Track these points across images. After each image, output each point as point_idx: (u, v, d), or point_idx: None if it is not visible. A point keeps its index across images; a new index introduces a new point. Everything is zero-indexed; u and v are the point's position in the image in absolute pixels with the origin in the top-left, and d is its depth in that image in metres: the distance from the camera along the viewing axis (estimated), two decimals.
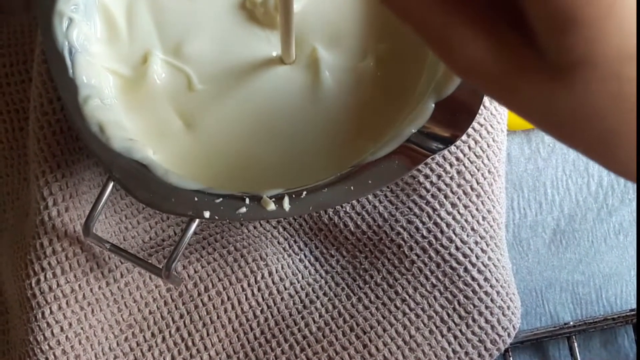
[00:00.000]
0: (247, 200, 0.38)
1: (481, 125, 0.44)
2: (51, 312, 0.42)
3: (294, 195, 0.38)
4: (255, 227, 0.46)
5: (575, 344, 0.46)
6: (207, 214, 0.38)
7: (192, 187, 0.39)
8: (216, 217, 0.38)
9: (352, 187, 0.38)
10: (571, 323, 0.46)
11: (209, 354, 0.44)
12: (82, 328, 0.43)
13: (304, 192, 0.38)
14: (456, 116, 0.39)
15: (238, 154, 0.42)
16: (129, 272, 0.43)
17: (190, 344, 0.44)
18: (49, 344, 0.42)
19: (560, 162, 0.49)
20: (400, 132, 0.39)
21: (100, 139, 0.39)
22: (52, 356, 0.42)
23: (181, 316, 0.44)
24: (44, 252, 0.42)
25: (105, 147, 0.39)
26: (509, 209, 0.49)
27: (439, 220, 0.43)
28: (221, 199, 0.38)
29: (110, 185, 0.39)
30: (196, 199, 0.38)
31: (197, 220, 0.38)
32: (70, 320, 0.42)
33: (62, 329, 0.42)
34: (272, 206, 0.38)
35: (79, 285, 0.43)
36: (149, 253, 0.44)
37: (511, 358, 0.46)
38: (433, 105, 0.39)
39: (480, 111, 0.43)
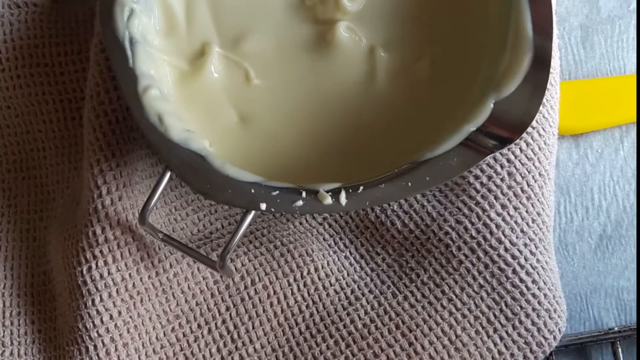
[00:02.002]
0: (304, 194, 0.38)
1: (533, 129, 0.44)
2: (101, 300, 0.42)
3: (350, 190, 0.38)
4: (301, 224, 0.46)
5: (620, 350, 0.46)
6: (263, 206, 0.38)
7: (249, 179, 0.39)
8: (272, 210, 0.38)
9: (409, 184, 0.38)
10: (616, 328, 0.46)
11: (254, 347, 0.44)
12: (130, 317, 0.43)
13: (361, 187, 0.38)
14: (514, 116, 0.39)
15: (293, 148, 0.42)
16: (178, 263, 0.44)
17: (235, 336, 0.44)
18: (97, 332, 0.43)
19: (608, 168, 0.49)
20: (459, 130, 0.39)
21: (158, 129, 0.39)
22: (101, 343, 0.43)
23: (227, 309, 0.44)
24: (96, 240, 0.42)
25: (164, 137, 0.39)
26: (556, 213, 0.49)
27: (488, 221, 0.43)
28: (278, 192, 0.39)
29: (168, 175, 0.39)
30: (253, 191, 0.39)
31: (252, 213, 0.39)
32: (119, 308, 0.43)
33: (111, 317, 0.43)
34: (328, 200, 0.38)
35: (129, 274, 0.43)
36: (197, 245, 0.45)
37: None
38: (492, 104, 0.39)
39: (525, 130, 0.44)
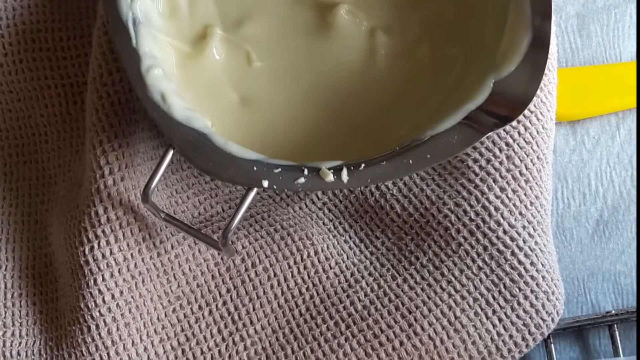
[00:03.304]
0: (306, 171, 0.39)
1: (531, 112, 0.44)
2: (103, 280, 0.43)
3: (352, 168, 0.39)
4: (301, 208, 0.47)
5: (617, 333, 0.47)
6: (265, 183, 0.38)
7: (251, 157, 0.39)
8: (275, 187, 0.39)
9: (410, 161, 0.39)
10: (613, 312, 0.47)
11: (255, 328, 0.44)
12: (132, 297, 0.43)
13: (363, 165, 0.39)
14: (513, 96, 0.39)
15: (294, 129, 0.43)
16: (179, 244, 0.44)
17: (236, 317, 0.44)
18: (99, 311, 0.43)
19: (605, 155, 0.50)
20: (459, 109, 0.39)
21: (161, 108, 0.40)
22: (103, 323, 0.43)
23: (228, 290, 0.44)
24: (99, 220, 0.43)
25: (167, 115, 0.40)
26: (553, 199, 0.49)
27: (487, 203, 0.44)
28: (280, 169, 0.39)
29: (170, 153, 0.40)
30: (255, 168, 0.39)
31: (254, 190, 0.39)
32: (121, 288, 0.43)
33: (113, 297, 0.43)
34: (330, 177, 0.39)
35: (131, 254, 0.43)
36: (197, 228, 0.45)
37: (552, 344, 0.47)
38: (492, 84, 0.39)
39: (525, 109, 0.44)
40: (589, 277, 0.48)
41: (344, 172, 0.39)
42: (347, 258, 0.45)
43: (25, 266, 0.47)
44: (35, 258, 0.47)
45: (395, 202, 0.45)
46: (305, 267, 0.45)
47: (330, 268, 0.45)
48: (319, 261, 0.45)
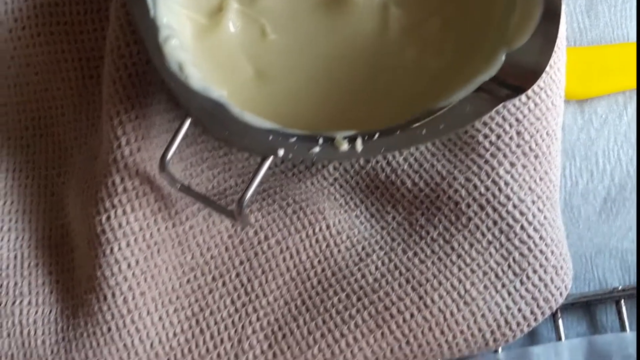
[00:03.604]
0: (321, 141, 0.40)
1: (541, 89, 0.45)
2: (120, 249, 0.43)
3: (366, 137, 0.40)
4: (312, 184, 0.47)
5: (624, 308, 0.47)
6: (281, 152, 0.39)
7: (267, 126, 0.40)
8: (290, 156, 0.39)
9: (424, 131, 0.39)
10: (620, 288, 0.48)
11: (267, 300, 0.45)
12: (148, 266, 0.44)
13: (377, 134, 0.40)
14: (525, 67, 0.40)
15: (308, 101, 0.43)
16: (193, 215, 0.45)
17: (249, 289, 0.45)
18: (116, 280, 0.44)
19: (612, 133, 0.50)
20: (472, 80, 0.40)
21: (179, 78, 0.40)
22: (119, 291, 0.44)
23: (241, 262, 0.45)
24: (115, 189, 0.43)
25: (184, 85, 0.40)
26: (561, 177, 0.50)
27: (497, 178, 0.44)
28: (295, 139, 0.40)
29: (188, 122, 0.40)
30: (270, 137, 0.40)
31: (270, 159, 0.40)
32: (137, 257, 0.44)
33: (129, 266, 0.44)
34: (345, 146, 0.39)
35: (147, 224, 0.44)
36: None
37: (560, 319, 0.47)
38: (504, 56, 0.40)
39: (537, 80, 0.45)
40: (597, 253, 0.49)
41: (359, 142, 0.39)
42: (358, 232, 0.46)
43: (41, 237, 0.47)
44: (51, 229, 0.48)
45: (406, 177, 0.46)
46: (317, 241, 0.45)
47: (342, 242, 0.45)
48: (330, 235, 0.45)
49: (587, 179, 0.50)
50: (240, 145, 0.40)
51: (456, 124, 0.40)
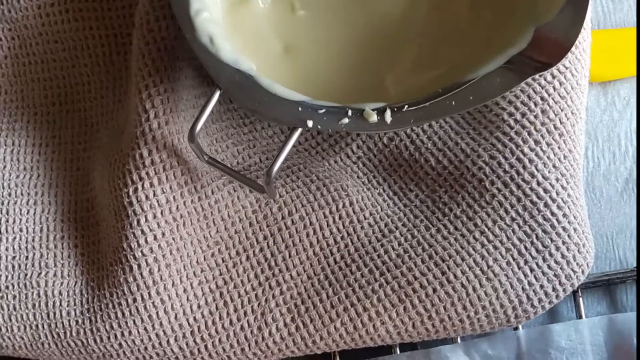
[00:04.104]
0: (350, 112, 0.40)
1: (566, 68, 0.45)
2: (146, 220, 0.44)
3: (395, 109, 0.40)
4: (336, 162, 0.47)
5: None
6: (310, 123, 0.39)
7: (296, 97, 0.40)
8: (319, 127, 0.39)
9: (453, 102, 0.40)
10: None
11: (291, 274, 0.45)
12: (173, 239, 0.44)
13: (406, 106, 0.40)
14: (555, 42, 0.40)
15: (336, 76, 0.44)
16: (219, 190, 0.45)
17: (272, 263, 0.45)
18: (142, 251, 0.44)
19: (635, 115, 0.50)
20: (501, 53, 0.40)
21: (209, 50, 0.41)
22: (144, 263, 0.44)
23: (265, 237, 0.45)
24: (143, 162, 0.44)
25: (214, 57, 0.41)
26: (584, 157, 0.50)
27: (521, 156, 0.44)
28: (324, 110, 0.40)
29: (217, 93, 0.40)
30: (300, 109, 0.40)
31: (299, 131, 0.40)
32: (163, 230, 0.44)
33: (155, 238, 0.44)
34: (374, 118, 0.40)
35: (174, 197, 0.44)
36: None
37: (581, 298, 0.47)
38: (532, 31, 0.40)
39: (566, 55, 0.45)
40: (618, 233, 0.49)
41: (388, 113, 0.40)
42: (381, 210, 0.46)
43: (67, 210, 0.48)
44: (77, 203, 0.48)
45: (429, 155, 0.46)
46: (340, 217, 0.46)
47: (365, 218, 0.46)
48: (353, 212, 0.46)
49: (609, 160, 0.50)
50: (270, 117, 0.40)
51: (485, 96, 0.40)
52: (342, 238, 0.45)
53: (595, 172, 0.50)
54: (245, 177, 0.43)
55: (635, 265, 0.49)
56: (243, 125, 0.48)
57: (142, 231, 0.44)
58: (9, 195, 0.48)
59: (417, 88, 0.41)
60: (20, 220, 0.47)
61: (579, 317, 0.48)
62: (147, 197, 0.44)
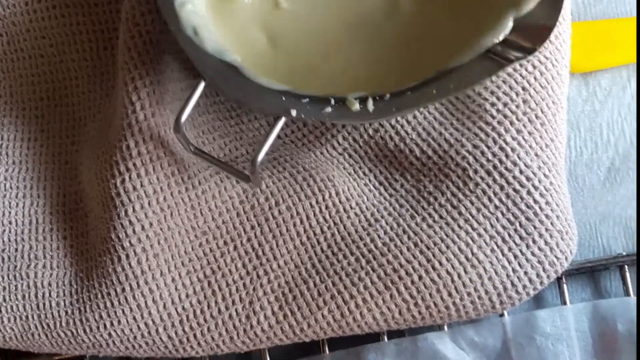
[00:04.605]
0: (333, 101, 0.40)
1: (547, 59, 0.46)
2: (134, 211, 0.44)
3: (377, 98, 0.40)
4: (322, 154, 0.48)
5: (628, 274, 0.48)
6: (294, 112, 0.40)
7: (280, 87, 0.41)
8: (303, 116, 0.40)
9: (434, 91, 0.40)
10: (624, 253, 0.48)
11: (278, 263, 0.45)
12: (161, 229, 0.45)
13: (388, 95, 0.41)
14: (534, 32, 0.41)
15: (320, 67, 0.44)
16: (206, 180, 0.46)
17: (260, 253, 0.46)
18: (130, 241, 0.44)
19: (616, 105, 0.51)
20: (481, 43, 0.41)
21: (194, 41, 0.41)
22: (133, 253, 0.44)
23: (252, 227, 0.46)
24: (130, 153, 0.44)
25: (199, 48, 0.41)
26: (566, 147, 0.50)
27: (504, 144, 0.45)
28: (307, 99, 0.41)
29: (202, 84, 0.41)
30: (284, 98, 0.41)
31: (283, 119, 0.40)
32: (151, 220, 0.45)
33: (143, 228, 0.44)
34: (356, 106, 0.40)
35: (161, 187, 0.45)
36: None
37: (565, 285, 0.48)
38: (512, 21, 0.41)
39: (545, 45, 0.46)
40: (601, 221, 0.50)
41: (370, 102, 0.40)
42: (367, 199, 0.47)
43: (55, 203, 0.48)
44: (65, 195, 0.48)
45: (414, 145, 0.47)
46: (326, 207, 0.46)
47: (351, 208, 0.46)
48: (339, 202, 0.46)
49: (591, 150, 0.51)
50: (254, 107, 0.41)
51: (465, 83, 0.40)
52: (328, 227, 0.46)
53: (578, 161, 0.51)
54: (231, 166, 0.43)
55: (618, 252, 0.50)
56: (230, 117, 0.48)
57: (130, 221, 0.44)
58: None
59: (399, 78, 0.42)
60: (10, 213, 0.48)
61: (564, 303, 0.48)
62: (134, 188, 0.44)
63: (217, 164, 0.43)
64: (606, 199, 0.50)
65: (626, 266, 0.48)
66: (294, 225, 0.46)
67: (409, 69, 0.43)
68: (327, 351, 0.48)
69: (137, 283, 0.45)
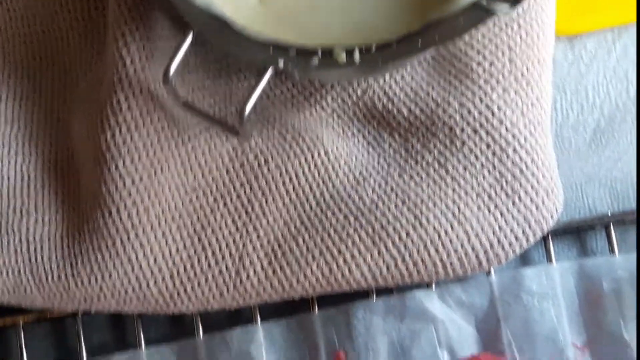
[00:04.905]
0: (319, 53, 0.41)
1: (532, 19, 0.47)
2: (124, 165, 0.45)
3: (364, 50, 0.41)
4: (311, 114, 0.48)
5: (613, 233, 0.49)
6: (281, 63, 0.41)
7: (268, 39, 0.41)
8: (289, 66, 0.41)
9: (419, 42, 0.41)
10: (609, 214, 0.49)
11: (267, 220, 0.46)
12: (151, 184, 0.45)
13: (374, 47, 0.41)
14: None
15: (308, 20, 0.44)
16: (195, 137, 0.46)
17: (249, 210, 0.46)
18: (120, 195, 0.45)
19: (602, 68, 0.52)
20: None
21: None
22: (123, 206, 0.45)
23: (242, 185, 0.46)
24: (120, 107, 0.45)
25: (187, 2, 0.42)
26: (552, 109, 0.51)
27: (489, 103, 0.46)
28: (295, 51, 0.41)
29: (190, 35, 0.41)
30: (272, 50, 0.41)
31: (271, 70, 0.41)
32: (141, 174, 0.45)
33: (133, 182, 0.45)
34: (343, 57, 0.41)
35: (151, 141, 0.45)
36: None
37: (551, 244, 0.49)
38: None
39: (530, 5, 0.46)
40: (587, 182, 0.50)
41: (356, 53, 0.41)
42: (356, 159, 0.47)
43: (47, 160, 0.48)
44: (57, 153, 0.49)
45: (402, 105, 0.47)
46: (315, 166, 0.47)
47: (340, 167, 0.47)
48: (328, 160, 0.47)
49: (577, 112, 0.51)
50: (244, 57, 0.41)
51: (450, 35, 0.41)
52: (317, 186, 0.46)
53: (564, 123, 0.51)
54: (219, 120, 0.44)
55: (604, 212, 0.50)
56: (219, 76, 0.49)
57: (120, 175, 0.45)
58: None
59: (385, 31, 0.42)
60: (1, 169, 0.48)
61: (550, 263, 0.49)
62: (124, 142, 0.45)
63: (205, 118, 0.44)
64: (592, 161, 0.51)
65: (611, 225, 0.49)
66: (283, 183, 0.46)
67: (395, 22, 0.43)
68: (317, 309, 0.48)
69: (128, 236, 0.45)
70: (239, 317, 0.49)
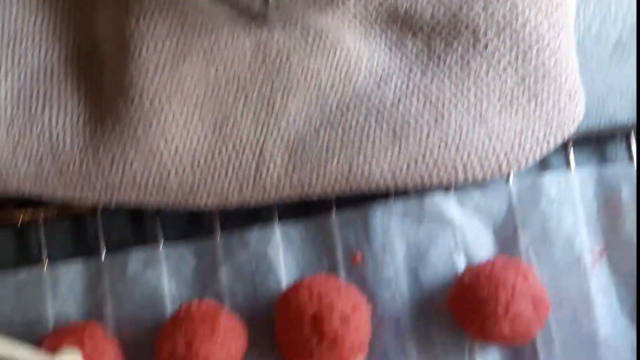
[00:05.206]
0: None
1: None
2: (147, 51, 0.45)
3: None
4: (333, 16, 0.48)
5: (633, 142, 0.48)
6: None
7: None
8: None
9: None
10: (630, 123, 0.49)
11: (288, 117, 0.46)
12: (174, 74, 0.45)
13: None
14: None
15: None
16: (218, 27, 0.46)
17: (270, 106, 0.46)
18: (143, 83, 0.45)
19: None
20: None
21: None
22: (146, 94, 0.45)
23: (263, 80, 0.46)
24: None
25: None
26: (575, 20, 0.50)
27: (514, 4, 0.46)
28: None
29: None
30: None
31: None
32: (164, 63, 0.45)
33: (156, 70, 0.45)
34: None
35: (174, 29, 0.45)
36: None
37: (572, 152, 0.48)
38: None
39: None
40: (608, 93, 0.50)
41: None
42: (378, 59, 0.47)
43: (71, 51, 0.48)
44: (80, 45, 0.48)
45: (426, 6, 0.47)
46: (337, 64, 0.47)
47: (362, 67, 0.47)
48: (351, 59, 0.47)
49: (600, 23, 0.51)
50: None
51: None
52: (339, 84, 0.46)
53: (586, 34, 0.51)
54: (244, 5, 0.44)
55: (623, 122, 0.50)
56: None
57: (143, 62, 0.45)
58: (15, 35, 0.48)
59: None
60: (25, 59, 0.48)
61: (569, 169, 0.48)
62: (147, 29, 0.45)
63: (231, 4, 0.44)
64: (613, 72, 0.50)
65: (632, 133, 0.49)
66: (305, 79, 0.46)
67: None
68: (335, 211, 0.48)
69: (150, 124, 0.45)
70: (257, 217, 0.49)
